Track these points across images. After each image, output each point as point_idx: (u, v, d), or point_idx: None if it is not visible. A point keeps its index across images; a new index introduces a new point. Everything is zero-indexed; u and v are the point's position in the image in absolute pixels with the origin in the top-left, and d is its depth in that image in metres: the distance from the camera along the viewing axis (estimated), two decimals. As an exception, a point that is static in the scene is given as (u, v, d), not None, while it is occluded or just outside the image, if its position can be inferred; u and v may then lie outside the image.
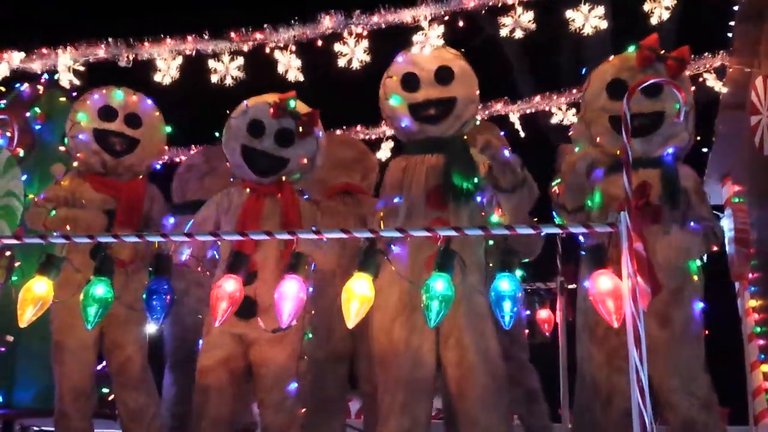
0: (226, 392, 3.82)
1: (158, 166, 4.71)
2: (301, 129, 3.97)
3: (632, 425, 2.51)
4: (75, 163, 4.44)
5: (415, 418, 3.55)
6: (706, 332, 3.59)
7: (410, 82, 3.87)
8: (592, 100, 3.83)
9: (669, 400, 3.46)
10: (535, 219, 4.51)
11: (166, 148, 4.68)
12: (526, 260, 4.73)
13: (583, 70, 4.05)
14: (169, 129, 4.55)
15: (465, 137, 3.89)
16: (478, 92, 3.90)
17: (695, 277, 3.59)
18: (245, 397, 4.50)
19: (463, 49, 4.07)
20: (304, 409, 4.08)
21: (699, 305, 3.56)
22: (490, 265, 3.69)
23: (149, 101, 4.49)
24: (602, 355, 3.51)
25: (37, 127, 5.19)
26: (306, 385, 4.31)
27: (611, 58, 3.90)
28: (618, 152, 3.50)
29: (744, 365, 4.98)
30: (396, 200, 3.74)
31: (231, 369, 3.84)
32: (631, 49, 3.81)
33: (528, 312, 5.01)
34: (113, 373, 4.19)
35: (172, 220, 4.24)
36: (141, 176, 4.42)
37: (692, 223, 3.48)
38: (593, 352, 3.60)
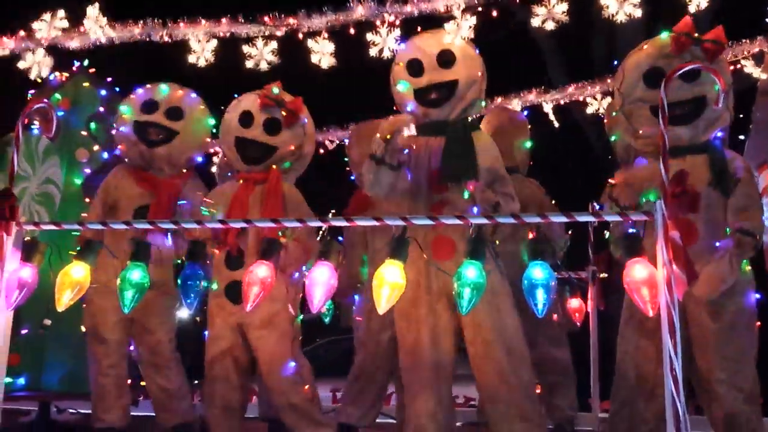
0: (232, 381, 4.01)
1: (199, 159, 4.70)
2: (284, 114, 4.12)
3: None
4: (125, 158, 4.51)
5: (439, 400, 3.59)
6: (759, 324, 3.56)
7: (414, 67, 3.88)
8: (630, 91, 3.76)
9: (715, 391, 3.44)
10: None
11: (209, 140, 4.69)
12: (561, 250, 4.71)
13: (615, 62, 3.99)
14: (213, 122, 4.58)
15: (469, 119, 3.89)
16: (480, 73, 3.87)
17: (748, 268, 3.55)
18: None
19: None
20: (306, 387, 4.11)
21: (753, 296, 3.53)
22: (497, 243, 3.73)
23: (194, 95, 4.55)
24: (653, 348, 3.45)
25: (60, 113, 5.23)
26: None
27: (644, 46, 3.82)
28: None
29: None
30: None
31: (235, 358, 4.01)
32: (664, 35, 3.74)
33: (575, 300, 4.96)
34: (144, 356, 4.29)
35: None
36: (184, 170, 4.45)
37: (719, 244, 3.43)
38: (642, 344, 3.57)
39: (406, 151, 3.66)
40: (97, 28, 5.31)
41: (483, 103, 4.00)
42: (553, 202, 4.89)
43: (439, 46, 3.88)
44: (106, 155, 5.28)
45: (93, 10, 5.36)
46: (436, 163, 3.69)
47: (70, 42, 5.41)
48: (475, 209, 3.49)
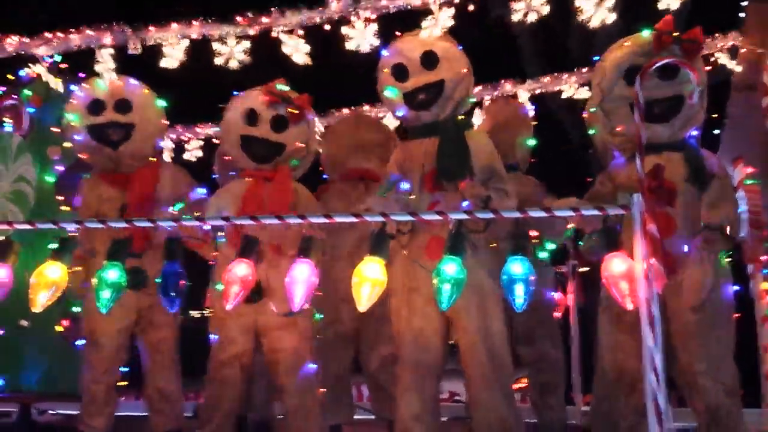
0: (239, 387, 3.94)
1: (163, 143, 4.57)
2: (291, 110, 4.05)
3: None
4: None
5: (424, 401, 3.60)
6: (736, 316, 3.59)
7: (400, 71, 3.87)
8: (609, 88, 3.76)
9: (697, 384, 3.47)
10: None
11: (165, 122, 4.55)
12: (555, 243, 4.70)
13: (594, 58, 3.98)
14: (163, 102, 4.45)
15: (460, 118, 3.88)
16: (466, 69, 3.85)
17: (725, 260, 3.59)
18: (265, 388, 4.55)
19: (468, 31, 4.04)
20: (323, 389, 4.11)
21: (731, 289, 3.56)
22: (493, 245, 3.70)
23: (134, 81, 4.39)
24: (632, 342, 3.42)
25: (31, 110, 5.15)
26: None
27: (625, 42, 3.81)
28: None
29: (757, 348, 4.97)
30: (405, 186, 3.75)
31: (243, 364, 3.94)
32: (646, 32, 3.73)
33: (556, 294, 4.93)
34: (147, 353, 4.21)
35: (203, 190, 4.23)
36: (152, 159, 4.34)
37: (687, 247, 3.48)
38: (621, 339, 3.58)
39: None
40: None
41: (472, 100, 3.99)
42: None
43: (421, 48, 3.86)
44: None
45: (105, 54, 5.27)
46: (430, 165, 3.69)
47: (39, 49, 5.33)
48: (465, 204, 3.49)
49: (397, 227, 3.61)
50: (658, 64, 3.28)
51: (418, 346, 3.62)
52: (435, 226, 3.46)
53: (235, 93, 4.25)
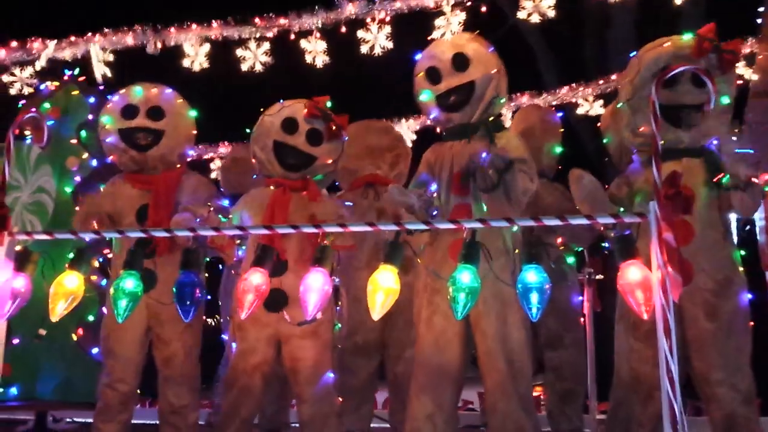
0: (258, 396, 3.97)
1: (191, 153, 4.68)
2: (332, 128, 4.12)
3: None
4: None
5: (439, 403, 3.60)
6: (752, 324, 3.57)
7: (433, 75, 3.91)
8: (642, 86, 3.70)
9: (714, 392, 3.45)
10: None
11: (195, 133, 4.65)
12: (580, 248, 4.68)
13: (632, 53, 3.88)
14: (194, 113, 4.55)
15: (491, 119, 3.87)
16: (496, 69, 3.86)
17: (741, 268, 3.57)
18: (280, 398, 4.56)
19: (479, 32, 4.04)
20: (341, 399, 4.12)
21: (747, 296, 3.54)
22: (516, 251, 3.69)
23: (169, 91, 4.49)
24: (648, 350, 3.43)
25: (50, 122, 5.22)
26: (337, 374, 4.37)
27: (666, 43, 3.74)
28: (663, 142, 3.41)
29: (775, 356, 4.92)
30: (433, 188, 3.79)
31: (264, 373, 3.96)
32: (688, 36, 3.70)
33: (581, 298, 4.90)
34: (159, 367, 4.23)
35: (226, 202, 4.26)
36: (178, 166, 4.43)
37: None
38: (637, 347, 3.57)
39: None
40: (103, 67, 5.30)
41: (503, 100, 3.98)
42: None
43: (452, 50, 3.89)
44: (95, 163, 5.24)
45: (95, 49, 5.34)
46: (460, 166, 3.72)
47: (62, 53, 5.40)
48: (484, 155, 3.47)
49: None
50: (675, 71, 3.26)
51: (438, 348, 3.63)
52: (459, 229, 3.43)
53: (281, 101, 4.30)
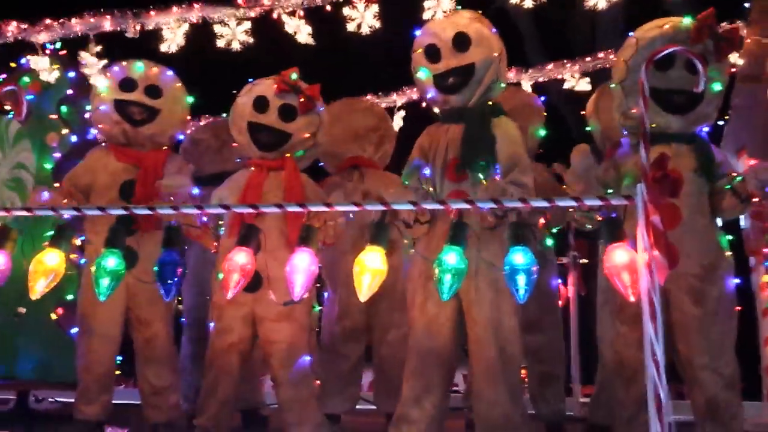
0: (236, 375, 3.93)
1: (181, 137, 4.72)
2: (302, 101, 4.03)
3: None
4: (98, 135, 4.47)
5: (428, 386, 3.58)
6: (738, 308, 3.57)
7: (432, 53, 3.82)
8: (637, 67, 3.56)
9: (697, 376, 3.45)
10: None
11: (189, 118, 4.67)
12: (558, 228, 4.68)
13: (630, 34, 3.83)
14: (191, 100, 4.55)
15: (489, 104, 3.81)
16: (497, 53, 3.79)
17: (728, 253, 3.57)
18: (252, 377, 4.55)
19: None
20: (318, 382, 4.10)
21: (733, 282, 3.54)
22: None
23: (170, 72, 4.49)
24: (633, 334, 3.42)
25: (30, 96, 5.14)
26: (320, 357, 4.36)
27: (665, 25, 3.69)
28: (654, 125, 3.38)
29: (758, 340, 4.97)
30: (426, 171, 3.75)
31: (241, 351, 3.93)
32: (687, 20, 3.64)
33: (560, 281, 4.91)
34: (138, 348, 4.21)
35: (196, 190, 4.22)
36: (164, 147, 4.40)
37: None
38: (622, 330, 3.56)
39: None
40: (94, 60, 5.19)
41: (502, 85, 3.92)
42: None
43: (453, 29, 3.80)
44: (75, 138, 5.16)
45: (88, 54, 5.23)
46: (454, 152, 3.67)
47: (41, 35, 5.31)
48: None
49: (416, 217, 3.58)
50: (664, 53, 3.23)
51: (430, 333, 3.60)
52: (453, 215, 3.37)
53: (250, 80, 4.25)
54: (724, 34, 3.61)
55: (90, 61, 5.06)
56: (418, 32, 3.94)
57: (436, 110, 4.00)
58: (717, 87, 3.64)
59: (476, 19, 3.88)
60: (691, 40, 3.56)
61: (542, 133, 4.81)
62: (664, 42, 3.57)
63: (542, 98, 5.12)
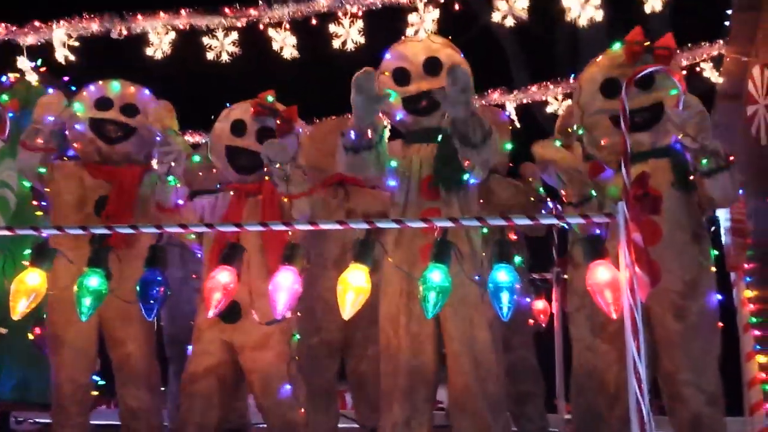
0: (213, 399, 3.85)
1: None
2: (279, 123, 3.99)
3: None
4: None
5: (416, 406, 3.57)
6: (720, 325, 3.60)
7: (401, 76, 3.84)
8: (588, 104, 3.79)
9: (680, 392, 3.47)
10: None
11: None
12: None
13: (574, 70, 4.03)
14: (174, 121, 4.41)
15: None
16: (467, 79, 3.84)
17: (712, 268, 3.60)
18: (234, 401, 4.50)
19: (450, 37, 4.03)
20: (303, 410, 4.06)
21: (716, 297, 3.56)
22: (483, 254, 3.68)
23: (147, 92, 4.45)
24: (615, 352, 3.43)
25: (10, 115, 5.10)
26: (304, 374, 4.32)
27: (598, 59, 3.87)
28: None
29: (739, 356, 4.99)
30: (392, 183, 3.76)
31: (220, 375, 3.87)
32: (617, 46, 3.79)
33: (528, 300, 4.92)
34: (115, 369, 4.12)
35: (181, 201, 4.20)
36: (140, 165, 4.35)
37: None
38: (603, 349, 3.57)
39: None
40: (65, 51, 5.19)
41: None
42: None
43: (425, 54, 3.84)
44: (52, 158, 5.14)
45: (59, 33, 5.23)
46: (427, 171, 3.69)
47: (25, 38, 5.29)
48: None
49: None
50: (642, 73, 3.29)
51: (413, 352, 3.59)
52: (429, 232, 3.37)
53: (227, 105, 4.25)
54: (658, 43, 3.68)
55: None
56: (387, 55, 3.94)
57: (403, 131, 4.01)
58: (672, 92, 3.65)
59: (446, 44, 3.94)
60: (626, 61, 3.69)
61: (509, 146, 4.86)
62: (605, 71, 3.76)
63: (507, 113, 5.18)
